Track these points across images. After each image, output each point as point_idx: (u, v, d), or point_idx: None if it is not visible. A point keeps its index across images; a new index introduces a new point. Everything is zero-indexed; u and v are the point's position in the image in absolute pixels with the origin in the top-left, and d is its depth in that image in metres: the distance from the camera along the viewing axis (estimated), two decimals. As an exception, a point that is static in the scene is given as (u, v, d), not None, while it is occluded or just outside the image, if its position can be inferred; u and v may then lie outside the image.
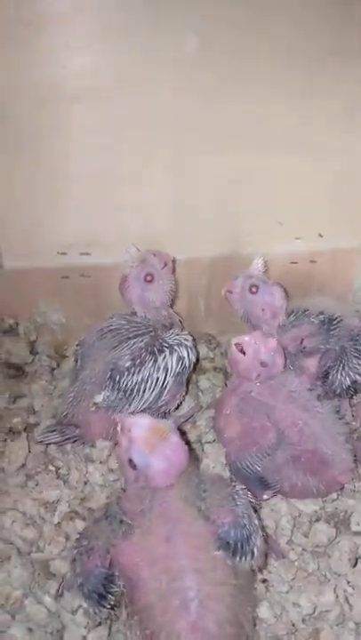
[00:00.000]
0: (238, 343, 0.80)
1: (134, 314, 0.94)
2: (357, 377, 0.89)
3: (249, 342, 0.79)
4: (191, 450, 0.70)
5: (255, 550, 0.61)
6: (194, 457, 0.82)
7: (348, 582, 0.70)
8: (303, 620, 0.68)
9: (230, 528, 0.61)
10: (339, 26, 0.91)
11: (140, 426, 0.62)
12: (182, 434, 0.67)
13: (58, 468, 0.84)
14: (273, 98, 0.95)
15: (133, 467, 0.62)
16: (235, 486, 0.66)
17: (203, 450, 0.89)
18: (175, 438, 0.63)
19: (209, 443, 0.90)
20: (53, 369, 1.03)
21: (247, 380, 0.81)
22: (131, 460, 0.62)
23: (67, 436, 0.86)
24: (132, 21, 0.87)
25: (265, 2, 0.89)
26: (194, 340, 0.92)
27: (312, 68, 0.93)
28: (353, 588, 0.70)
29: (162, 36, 0.88)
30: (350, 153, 1.02)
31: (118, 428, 0.64)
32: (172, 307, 1.00)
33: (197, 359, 0.97)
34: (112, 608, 0.61)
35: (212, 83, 0.92)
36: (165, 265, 0.95)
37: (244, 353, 0.79)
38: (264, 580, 0.71)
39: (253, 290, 0.91)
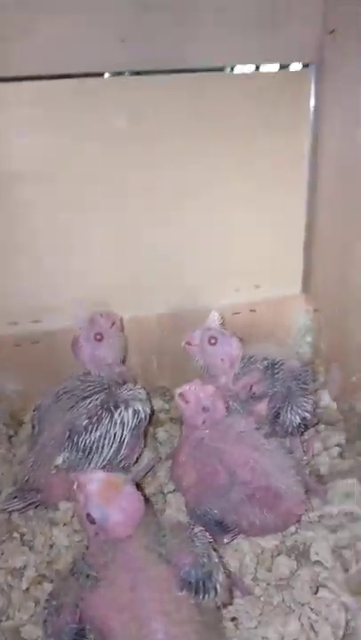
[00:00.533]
0: (181, 393, 0.85)
1: (88, 374, 0.99)
2: (305, 414, 0.95)
3: (190, 391, 0.84)
4: (147, 499, 0.73)
5: (218, 586, 0.64)
6: (150, 505, 0.85)
7: (312, 609, 0.73)
8: (273, 653, 0.70)
9: (191, 568, 0.63)
10: (260, 101, 1.03)
11: (94, 481, 0.65)
12: (137, 486, 0.70)
13: (22, 535, 0.85)
14: (206, 164, 1.05)
15: (92, 521, 0.65)
16: (193, 529, 0.69)
17: (165, 500, 0.91)
18: (129, 489, 0.66)
19: (170, 492, 0.92)
20: (11, 436, 1.05)
21: (195, 428, 0.85)
22: (89, 515, 0.65)
23: (29, 502, 0.87)
24: (65, 107, 0.96)
25: (194, 83, 1.01)
26: (147, 393, 0.97)
27: (245, 138, 1.05)
28: (316, 615, 0.72)
29: (92, 118, 0.97)
30: (278, 211, 1.12)
31: (75, 486, 0.67)
32: (124, 363, 1.05)
33: (153, 412, 1.01)
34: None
35: (142, 154, 1.01)
36: (113, 324, 1.01)
37: (187, 402, 0.84)
38: (233, 619, 0.73)
39: (212, 341, 0.97)
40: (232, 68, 1.04)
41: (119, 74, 0.99)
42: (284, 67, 1.05)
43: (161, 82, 0.99)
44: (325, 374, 1.15)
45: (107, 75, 0.98)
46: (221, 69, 1.04)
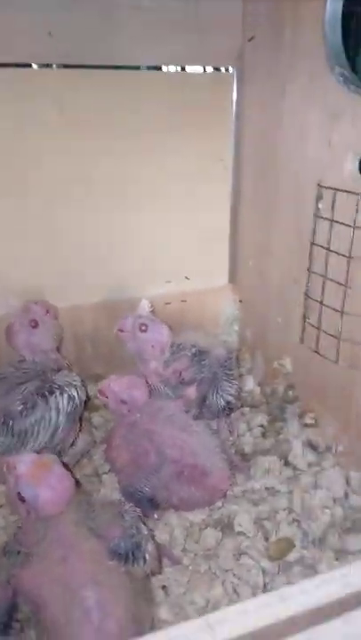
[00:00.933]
0: (99, 390, 0.90)
1: (23, 360, 1.01)
2: (230, 398, 1.02)
3: (107, 386, 0.90)
4: (77, 480, 0.77)
5: (147, 556, 0.69)
6: (80, 485, 0.89)
7: (234, 575, 0.79)
8: (199, 615, 0.75)
9: (120, 540, 0.67)
10: (185, 100, 1.08)
11: (24, 462, 0.69)
12: (66, 466, 0.74)
13: None
14: (134, 158, 1.09)
15: (22, 500, 0.68)
16: (123, 505, 0.74)
17: (101, 481, 0.96)
18: (59, 469, 0.70)
19: (105, 473, 0.97)
20: None
21: (123, 417, 0.91)
22: (19, 494, 0.68)
23: (-35, 486, 0.89)
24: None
25: (121, 79, 1.04)
26: (82, 380, 1.00)
27: (171, 134, 1.09)
28: (238, 579, 0.79)
29: (29, 107, 0.99)
30: (205, 208, 1.19)
31: (4, 469, 0.70)
32: (59, 351, 1.07)
33: (88, 398, 1.05)
34: (22, 630, 0.65)
35: (71, 145, 1.03)
36: (48, 312, 1.03)
37: (106, 397, 0.90)
38: (163, 586, 0.78)
39: (143, 328, 1.01)
40: (159, 67, 1.08)
41: (47, 66, 1.00)
42: (216, 69, 1.11)
43: (88, 76, 1.01)
44: (251, 361, 1.22)
45: (35, 66, 0.99)
46: (148, 68, 1.07)
